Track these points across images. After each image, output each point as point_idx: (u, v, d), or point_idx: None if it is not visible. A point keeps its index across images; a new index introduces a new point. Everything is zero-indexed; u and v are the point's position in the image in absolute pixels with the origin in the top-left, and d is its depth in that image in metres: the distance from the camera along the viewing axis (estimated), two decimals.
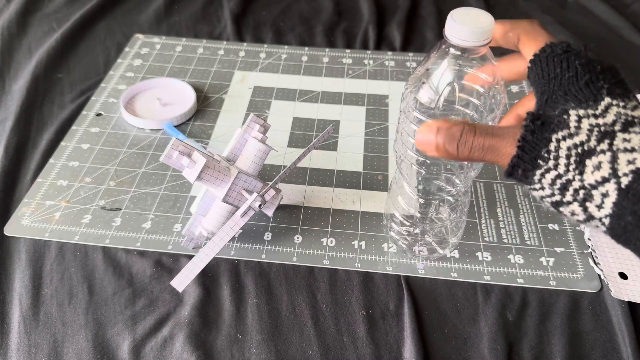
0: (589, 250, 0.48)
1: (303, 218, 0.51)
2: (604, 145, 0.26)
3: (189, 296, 0.45)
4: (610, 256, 0.48)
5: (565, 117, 0.28)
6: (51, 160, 0.57)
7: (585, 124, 0.27)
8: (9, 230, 0.50)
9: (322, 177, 0.56)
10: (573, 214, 0.28)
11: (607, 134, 0.26)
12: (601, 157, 0.26)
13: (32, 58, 0.71)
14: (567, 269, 0.47)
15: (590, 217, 0.27)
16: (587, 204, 0.27)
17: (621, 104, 0.27)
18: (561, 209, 0.28)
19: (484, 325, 0.44)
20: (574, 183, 0.27)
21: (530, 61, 0.31)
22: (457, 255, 0.48)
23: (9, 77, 0.69)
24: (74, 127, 0.61)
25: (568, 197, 0.27)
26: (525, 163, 0.28)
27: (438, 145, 0.30)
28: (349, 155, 0.58)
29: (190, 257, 0.47)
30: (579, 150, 0.27)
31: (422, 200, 0.44)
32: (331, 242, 0.49)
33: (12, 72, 0.69)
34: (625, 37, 0.78)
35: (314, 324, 0.43)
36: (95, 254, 0.48)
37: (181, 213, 0.52)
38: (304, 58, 0.73)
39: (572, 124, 0.27)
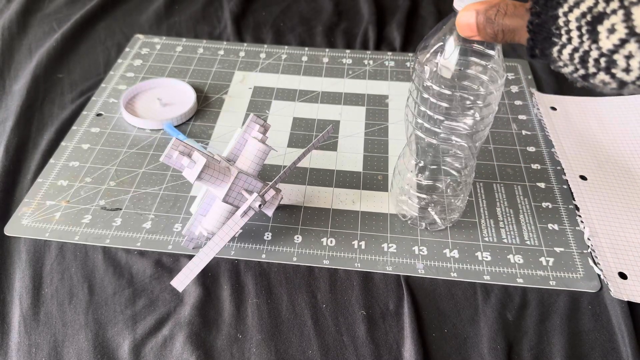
0: (589, 250, 0.48)
1: (303, 218, 0.51)
2: (614, 4, 0.25)
3: (189, 296, 0.45)
4: (610, 256, 0.48)
5: None
6: (51, 160, 0.57)
7: None
8: (9, 230, 0.50)
9: (322, 177, 0.56)
10: (604, 83, 0.27)
11: None
12: (613, 19, 0.25)
13: (32, 58, 0.71)
14: (567, 269, 0.47)
15: (622, 84, 0.27)
16: (613, 70, 0.26)
17: None
18: (591, 81, 0.28)
19: (484, 325, 0.44)
20: (591, 53, 0.26)
21: None
22: (457, 255, 0.48)
23: (10, 78, 0.69)
24: (74, 127, 0.61)
25: (591, 68, 0.27)
26: (539, 43, 0.28)
27: (477, 26, 0.31)
28: (349, 155, 0.58)
29: (191, 257, 0.47)
30: (588, 17, 0.26)
31: (422, 164, 0.46)
32: (331, 242, 0.49)
33: (13, 72, 0.69)
34: None
35: (314, 324, 0.44)
36: (96, 254, 0.48)
37: (181, 213, 0.52)
38: (304, 58, 0.73)
39: None
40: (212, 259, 0.43)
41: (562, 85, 0.68)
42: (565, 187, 0.55)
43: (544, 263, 0.48)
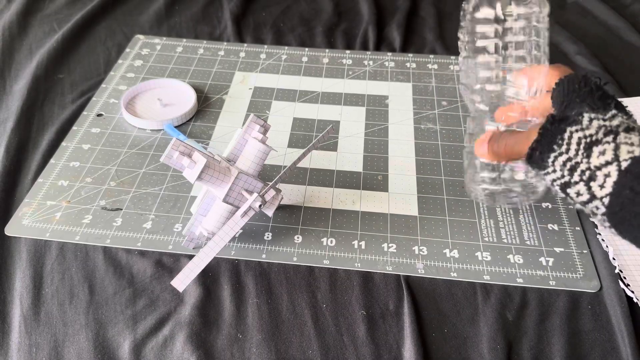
0: (616, 270, 0.46)
1: (303, 218, 0.52)
2: (609, 139, 0.32)
3: (190, 296, 0.45)
4: (638, 274, 0.46)
5: (580, 117, 0.34)
6: (52, 161, 0.57)
7: (595, 123, 0.33)
8: (9, 230, 0.50)
9: (322, 178, 0.56)
10: (578, 194, 0.33)
11: (612, 132, 0.32)
12: (606, 146, 0.32)
13: (32, 58, 0.71)
14: (567, 268, 0.47)
15: (592, 197, 0.32)
16: (592, 183, 0.32)
17: (624, 116, 0.34)
18: (568, 190, 0.34)
19: (484, 325, 0.44)
20: (581, 165, 0.32)
21: (557, 83, 0.38)
22: (456, 255, 0.48)
23: (10, 78, 0.69)
24: (74, 128, 0.61)
25: (575, 177, 0.33)
26: (542, 146, 0.34)
27: (490, 152, 0.40)
28: (349, 155, 0.59)
29: (191, 257, 0.48)
30: (588, 140, 0.32)
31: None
32: (331, 242, 0.49)
33: (13, 72, 0.70)
34: (624, 37, 0.78)
35: (314, 324, 0.44)
36: (96, 254, 0.48)
37: (182, 213, 0.52)
38: (304, 59, 0.73)
39: (585, 122, 0.33)
40: (212, 259, 0.43)
41: None
42: None
43: (544, 263, 0.48)
